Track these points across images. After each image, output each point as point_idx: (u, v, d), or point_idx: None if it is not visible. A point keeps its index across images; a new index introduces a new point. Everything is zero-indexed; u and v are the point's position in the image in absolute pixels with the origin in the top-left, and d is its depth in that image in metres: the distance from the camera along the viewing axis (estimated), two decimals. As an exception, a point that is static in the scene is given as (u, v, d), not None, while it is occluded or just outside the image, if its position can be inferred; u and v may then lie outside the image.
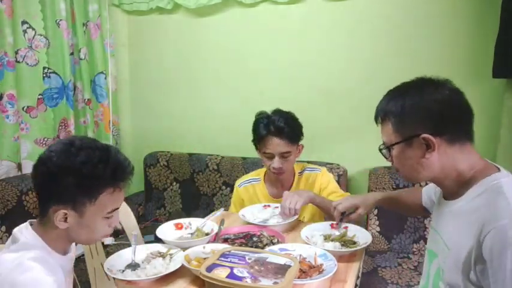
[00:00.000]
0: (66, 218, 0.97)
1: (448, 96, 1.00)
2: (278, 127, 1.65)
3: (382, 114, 1.08)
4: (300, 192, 1.62)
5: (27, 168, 2.27)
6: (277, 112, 1.72)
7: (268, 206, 1.69)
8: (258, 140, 1.71)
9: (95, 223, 1.01)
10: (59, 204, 0.96)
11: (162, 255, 1.28)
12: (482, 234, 0.90)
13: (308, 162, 2.01)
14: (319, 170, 1.82)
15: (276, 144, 1.66)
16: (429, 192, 1.28)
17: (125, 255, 1.27)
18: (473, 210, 0.95)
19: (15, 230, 1.00)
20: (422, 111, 1.00)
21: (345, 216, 1.45)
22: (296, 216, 1.56)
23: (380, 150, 1.14)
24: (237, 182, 1.92)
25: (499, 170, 1.01)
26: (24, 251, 0.94)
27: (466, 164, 1.00)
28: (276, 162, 1.68)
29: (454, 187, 1.03)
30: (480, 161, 1.02)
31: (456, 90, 1.02)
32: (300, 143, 1.74)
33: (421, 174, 1.04)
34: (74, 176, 0.94)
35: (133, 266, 1.23)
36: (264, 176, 1.87)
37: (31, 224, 1.02)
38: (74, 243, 1.08)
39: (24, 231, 0.99)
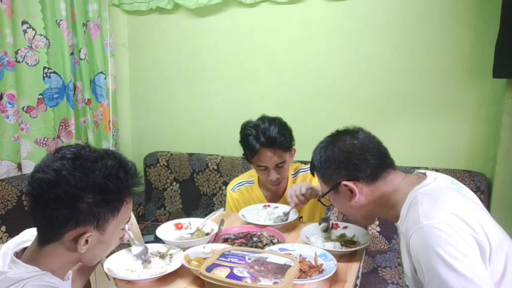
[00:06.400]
0: (87, 239, 0.87)
1: (351, 145, 1.08)
2: (270, 138, 1.57)
3: (311, 168, 1.20)
4: (295, 184, 1.60)
5: (27, 168, 2.27)
6: (265, 120, 1.63)
7: (268, 205, 1.68)
8: (250, 154, 1.61)
9: (113, 237, 0.95)
10: (80, 226, 0.85)
11: (162, 255, 1.28)
12: (408, 245, 0.94)
13: (305, 162, 1.98)
14: None
15: (270, 157, 1.59)
16: None
17: (124, 255, 1.27)
18: (405, 228, 0.99)
19: None
20: (335, 162, 1.10)
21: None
22: (296, 216, 1.55)
23: (319, 200, 1.27)
24: (229, 186, 1.86)
25: (425, 177, 1.05)
26: (16, 285, 0.80)
27: (391, 190, 1.06)
28: (273, 175, 1.63)
29: (392, 212, 1.07)
30: (404, 180, 1.07)
31: (365, 135, 1.11)
32: (293, 147, 1.67)
33: (358, 213, 1.13)
34: (98, 193, 0.85)
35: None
36: (258, 179, 1.81)
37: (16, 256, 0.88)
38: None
39: (11, 265, 0.84)
